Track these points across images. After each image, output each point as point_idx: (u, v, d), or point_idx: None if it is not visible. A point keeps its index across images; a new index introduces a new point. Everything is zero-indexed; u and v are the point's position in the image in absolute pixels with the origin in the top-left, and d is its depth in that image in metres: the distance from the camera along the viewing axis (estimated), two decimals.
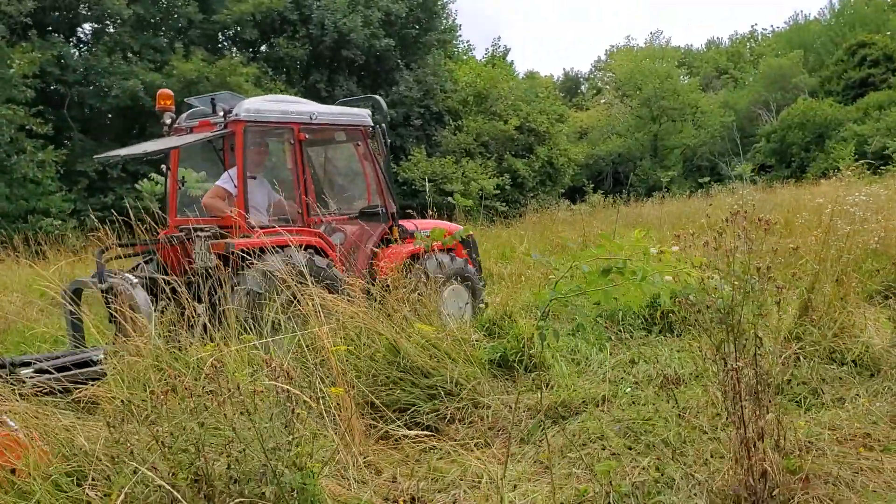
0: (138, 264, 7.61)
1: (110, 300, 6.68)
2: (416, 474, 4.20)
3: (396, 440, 4.75)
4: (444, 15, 33.94)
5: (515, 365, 5.93)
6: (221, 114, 7.43)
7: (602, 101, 50.86)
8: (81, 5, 21.24)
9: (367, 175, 8.56)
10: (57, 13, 21.32)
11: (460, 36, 41.75)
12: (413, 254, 8.29)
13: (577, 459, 4.24)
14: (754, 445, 3.28)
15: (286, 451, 3.24)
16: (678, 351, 6.04)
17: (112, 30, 22.49)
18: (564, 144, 33.66)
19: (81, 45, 23.26)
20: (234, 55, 22.73)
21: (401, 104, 28.41)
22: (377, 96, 9.40)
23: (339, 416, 4.42)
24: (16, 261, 11.30)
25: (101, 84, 21.76)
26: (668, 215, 20.41)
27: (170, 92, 8.01)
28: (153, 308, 6.71)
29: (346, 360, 5.12)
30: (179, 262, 7.42)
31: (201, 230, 7.19)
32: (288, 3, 26.51)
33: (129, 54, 22.14)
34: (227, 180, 7.65)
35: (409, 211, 18.71)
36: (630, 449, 4.36)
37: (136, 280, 6.65)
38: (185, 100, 8.46)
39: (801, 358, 4.99)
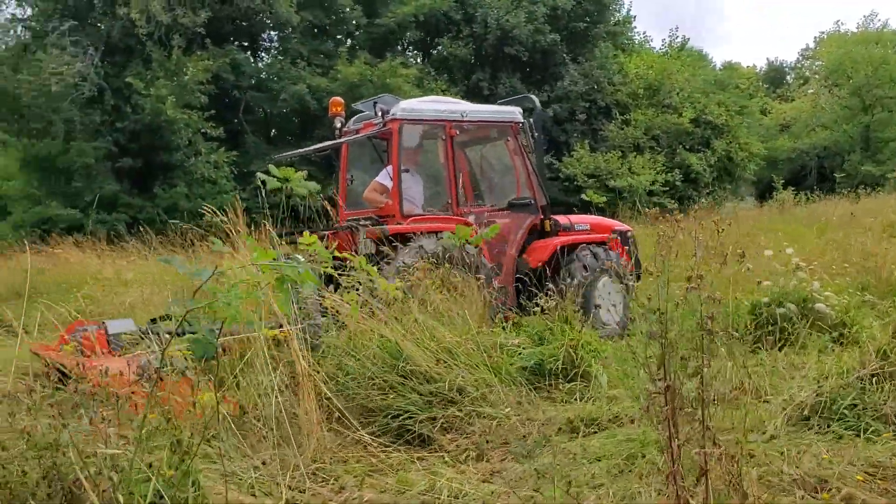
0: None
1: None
2: (374, 486, 4.06)
3: (380, 448, 4.59)
4: (617, 6, 34.40)
5: (555, 374, 5.69)
6: (380, 114, 8.57)
7: (809, 91, 48.85)
8: (256, 15, 23.48)
9: (517, 169, 9.36)
10: (232, 23, 23.68)
11: (635, 27, 41.74)
12: (562, 246, 9.13)
13: (556, 480, 3.86)
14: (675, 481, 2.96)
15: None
16: (756, 365, 5.38)
17: (282, 36, 24.82)
18: (745, 138, 32.93)
19: (255, 53, 25.66)
20: (395, 57, 24.27)
21: (566, 99, 28.87)
22: (532, 95, 10.33)
23: (301, 423, 4.38)
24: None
25: (271, 89, 23.78)
26: (862, 212, 19.67)
27: (340, 100, 9.21)
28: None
29: (339, 363, 5.16)
30: (349, 251, 8.65)
31: (366, 221, 8.36)
32: (452, 2, 27.85)
33: (299, 60, 24.25)
34: (384, 175, 8.71)
35: (574, 208, 19.41)
36: (622, 472, 3.97)
37: (304, 261, 7.84)
38: (353, 105, 9.73)
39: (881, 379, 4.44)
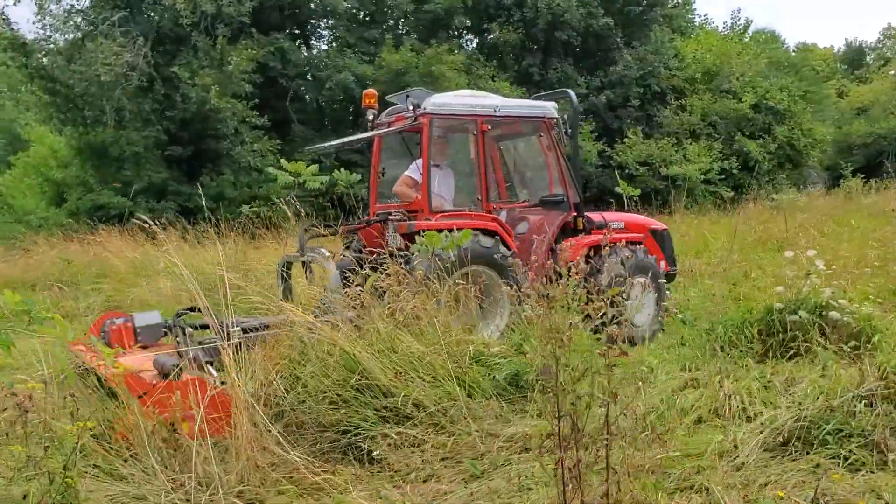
0: (348, 244, 9.15)
1: (307, 273, 8.14)
2: None
3: (322, 467, 4.39)
4: None
5: (531, 386, 5.38)
6: (411, 108, 8.65)
7: (891, 72, 47.29)
8: (303, 3, 23.73)
9: (550, 165, 9.34)
10: (279, 12, 23.97)
11: (695, 9, 41.04)
12: (594, 245, 9.02)
13: None
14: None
15: None
16: (758, 377, 5.13)
17: (329, 25, 25.06)
18: (809, 123, 32.14)
19: (302, 41, 25.93)
20: (440, 44, 24.27)
21: (619, 84, 28.50)
22: (569, 90, 10.28)
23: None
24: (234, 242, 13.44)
25: (318, 77, 24.00)
26: None
27: (374, 91, 9.28)
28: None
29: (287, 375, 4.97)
30: (379, 244, 8.80)
31: (396, 215, 8.47)
32: None
33: (345, 48, 24.44)
34: (414, 169, 8.80)
35: (611, 201, 19.13)
36: None
37: (328, 254, 8.00)
38: (386, 97, 9.80)
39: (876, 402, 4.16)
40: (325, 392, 4.85)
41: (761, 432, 4.12)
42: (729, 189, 26.59)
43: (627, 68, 28.46)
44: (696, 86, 30.73)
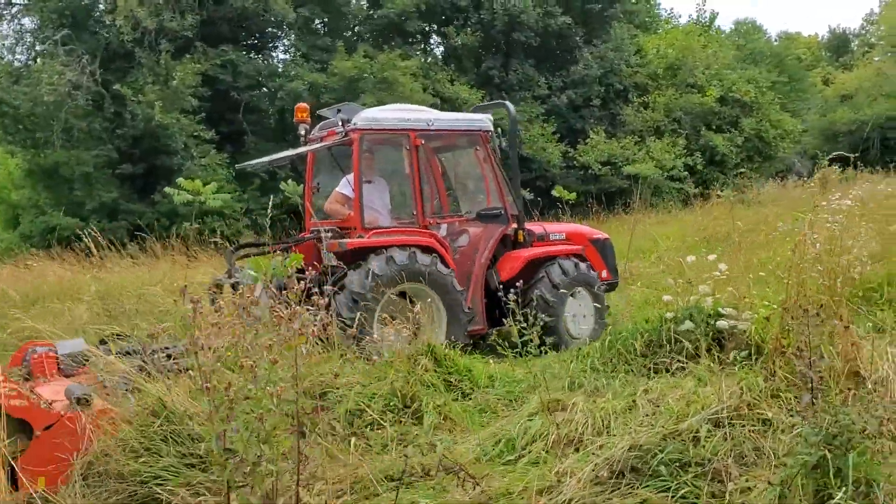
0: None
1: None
2: None
3: None
4: None
5: (380, 416, 5.26)
6: (340, 123, 8.66)
7: (875, 59, 47.56)
8: (252, 14, 23.66)
9: (487, 178, 9.42)
10: (228, 23, 23.86)
11: (660, 4, 41.20)
12: (534, 258, 9.06)
13: None
14: None
15: None
16: (626, 396, 4.97)
17: (280, 34, 24.97)
18: (778, 115, 32.32)
19: (252, 52, 25.82)
20: (394, 50, 24.25)
21: (581, 84, 28.51)
22: (507, 102, 10.40)
23: None
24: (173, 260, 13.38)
25: (270, 87, 23.88)
26: None
27: (305, 106, 9.28)
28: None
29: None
30: (315, 262, 8.80)
31: (328, 232, 8.47)
32: None
33: (297, 57, 24.30)
34: (344, 185, 8.82)
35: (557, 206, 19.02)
36: None
37: (255, 275, 8.00)
38: (318, 112, 9.82)
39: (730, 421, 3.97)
40: (126, 440, 4.59)
41: (595, 464, 3.90)
42: (693, 185, 26.71)
43: (588, 67, 28.49)
44: (659, 82, 30.84)
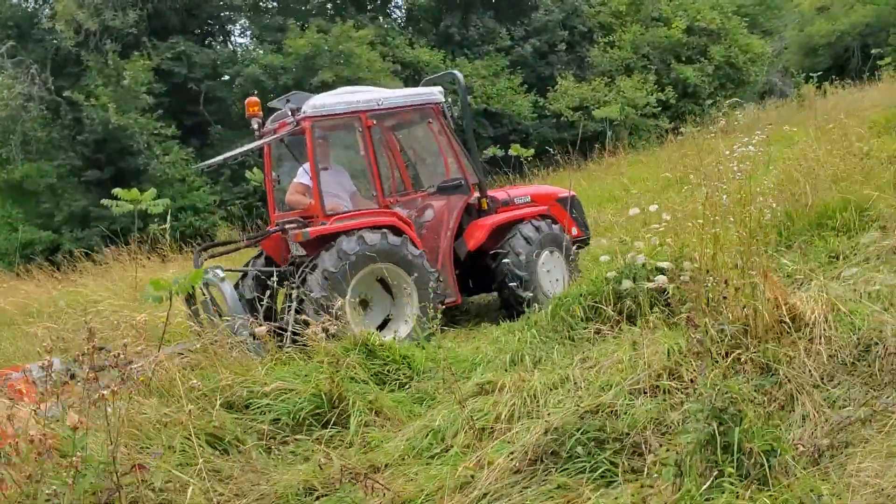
0: (251, 259, 9.22)
1: (205, 294, 8.16)
2: None
3: None
4: None
5: (305, 421, 5.02)
6: (290, 113, 8.62)
7: None
8: (200, 2, 23.33)
9: (444, 150, 9.42)
10: (177, 15, 23.52)
11: None
12: (500, 224, 9.12)
13: None
14: None
15: None
16: (563, 368, 4.86)
17: (230, 19, 24.65)
18: (745, 39, 32.06)
19: (205, 40, 25.50)
20: (347, 21, 23.94)
21: (544, 31, 28.26)
22: (455, 71, 10.39)
23: None
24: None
25: (226, 75, 23.65)
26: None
27: (256, 99, 9.21)
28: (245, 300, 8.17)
29: None
30: (284, 255, 8.83)
31: (292, 223, 8.49)
32: None
33: (250, 40, 24.13)
34: (302, 175, 8.78)
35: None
36: None
37: (223, 274, 8.00)
38: (268, 104, 9.77)
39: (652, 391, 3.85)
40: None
41: (511, 452, 3.75)
42: (668, 121, 26.56)
43: (549, 12, 28.16)
44: (623, 19, 30.49)
